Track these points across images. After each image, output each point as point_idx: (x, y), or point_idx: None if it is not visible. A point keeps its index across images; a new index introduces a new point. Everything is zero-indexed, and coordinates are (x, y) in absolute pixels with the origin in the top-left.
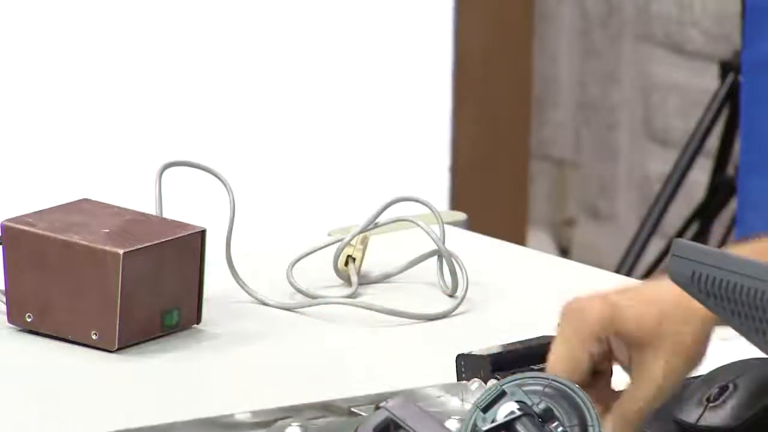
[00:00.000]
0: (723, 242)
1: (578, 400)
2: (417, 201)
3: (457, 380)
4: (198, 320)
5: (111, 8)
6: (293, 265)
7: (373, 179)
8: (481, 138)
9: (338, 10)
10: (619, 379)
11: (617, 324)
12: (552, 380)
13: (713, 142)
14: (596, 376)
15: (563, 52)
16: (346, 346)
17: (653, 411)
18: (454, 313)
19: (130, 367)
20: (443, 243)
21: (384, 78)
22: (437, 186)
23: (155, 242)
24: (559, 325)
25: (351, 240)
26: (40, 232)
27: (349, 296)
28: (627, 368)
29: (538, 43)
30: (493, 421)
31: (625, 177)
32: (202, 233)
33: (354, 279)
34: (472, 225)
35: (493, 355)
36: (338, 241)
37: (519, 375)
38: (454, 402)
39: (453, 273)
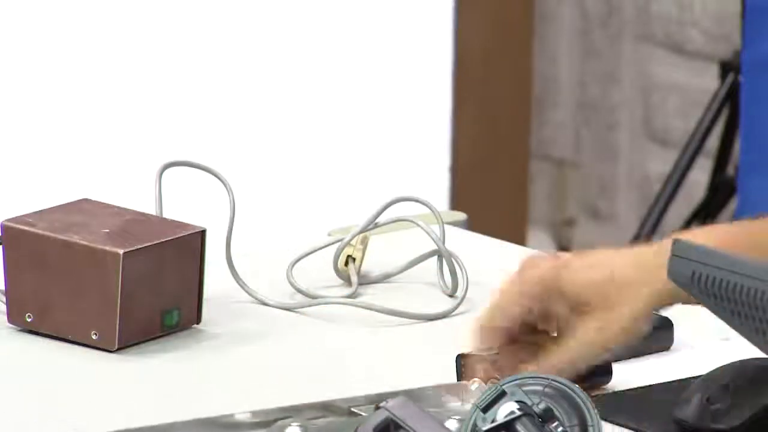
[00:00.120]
0: None
1: (578, 400)
2: (417, 201)
3: (457, 380)
4: (198, 320)
5: (111, 8)
6: (293, 265)
7: (373, 179)
8: (481, 138)
9: (338, 11)
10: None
11: (562, 285)
12: (552, 380)
13: (713, 142)
14: (537, 333)
15: (563, 52)
16: (346, 346)
17: (575, 372)
18: (454, 313)
19: (130, 367)
20: (443, 243)
21: (384, 78)
22: (437, 186)
23: (155, 242)
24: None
25: (351, 240)
26: (40, 232)
27: (349, 296)
28: (564, 328)
29: (538, 43)
30: (493, 421)
31: (625, 177)
32: (202, 233)
33: (354, 279)
34: (472, 225)
35: (493, 355)
36: (338, 241)
37: (519, 375)
38: (454, 402)
39: (453, 273)
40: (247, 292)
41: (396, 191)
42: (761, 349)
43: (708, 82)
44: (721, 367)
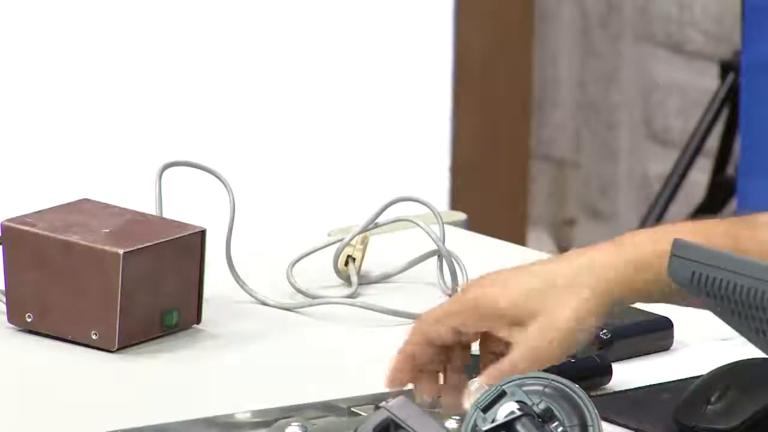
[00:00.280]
0: None
1: (578, 400)
2: (417, 201)
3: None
4: (198, 320)
5: (111, 8)
6: (293, 265)
7: (373, 179)
8: (481, 138)
9: (338, 11)
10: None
11: (496, 302)
12: (552, 380)
13: (713, 142)
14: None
15: (563, 52)
16: (346, 346)
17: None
18: None
19: (130, 367)
20: (443, 243)
21: (384, 78)
22: (437, 186)
23: (155, 242)
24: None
25: (351, 240)
26: (40, 232)
27: (349, 296)
28: (508, 344)
29: (538, 43)
30: (493, 421)
31: (625, 177)
32: (202, 233)
33: (354, 279)
34: (472, 225)
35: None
36: (338, 241)
37: (519, 375)
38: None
39: (453, 273)
40: (247, 292)
41: (396, 191)
42: (761, 349)
43: (708, 82)
44: (721, 367)
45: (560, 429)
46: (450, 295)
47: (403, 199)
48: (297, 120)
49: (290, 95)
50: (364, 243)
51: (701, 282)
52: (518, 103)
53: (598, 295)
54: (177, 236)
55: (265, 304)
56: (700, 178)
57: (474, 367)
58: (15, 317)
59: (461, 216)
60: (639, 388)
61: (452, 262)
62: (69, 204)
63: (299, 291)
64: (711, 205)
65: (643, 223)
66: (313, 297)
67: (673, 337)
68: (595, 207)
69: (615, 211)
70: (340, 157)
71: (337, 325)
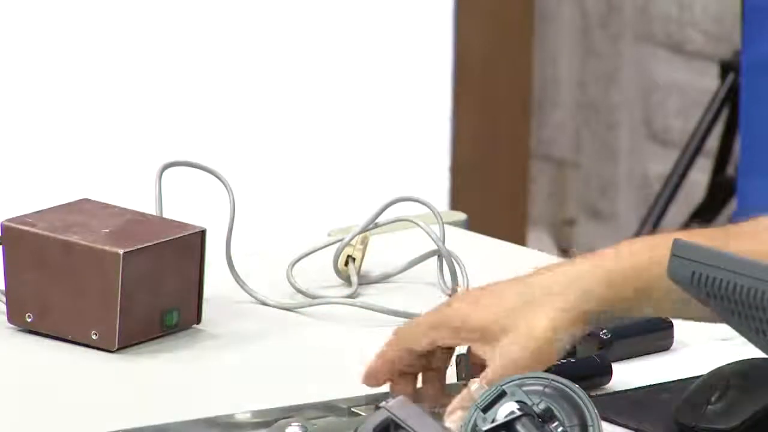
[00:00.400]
0: None
1: (578, 400)
2: (417, 201)
3: (457, 380)
4: (198, 320)
5: (111, 8)
6: (293, 265)
7: (373, 179)
8: (481, 138)
9: (338, 11)
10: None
11: (469, 320)
12: (552, 380)
13: (713, 142)
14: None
15: (563, 52)
16: (346, 346)
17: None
18: None
19: (130, 367)
20: (443, 243)
21: (384, 78)
22: (437, 186)
23: (155, 242)
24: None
25: (351, 240)
26: (40, 232)
27: (349, 296)
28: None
29: (538, 43)
30: (493, 421)
31: (625, 177)
32: (202, 233)
33: (354, 279)
34: (472, 225)
35: None
36: (338, 241)
37: (519, 375)
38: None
39: (453, 273)
40: (247, 292)
41: (396, 191)
42: (761, 349)
43: (708, 82)
44: (721, 367)
45: (560, 429)
46: (450, 295)
47: (403, 199)
48: (297, 120)
49: (290, 95)
50: (364, 243)
51: (701, 282)
52: (518, 103)
53: (575, 306)
54: (177, 236)
55: (265, 304)
56: (700, 178)
57: (467, 365)
58: (15, 317)
59: (461, 216)
60: (639, 388)
61: (452, 262)
62: (69, 204)
63: (299, 291)
64: (711, 205)
65: (643, 224)
66: (313, 297)
67: (673, 337)
68: (595, 207)
69: (615, 211)
70: (340, 157)
71: (337, 325)
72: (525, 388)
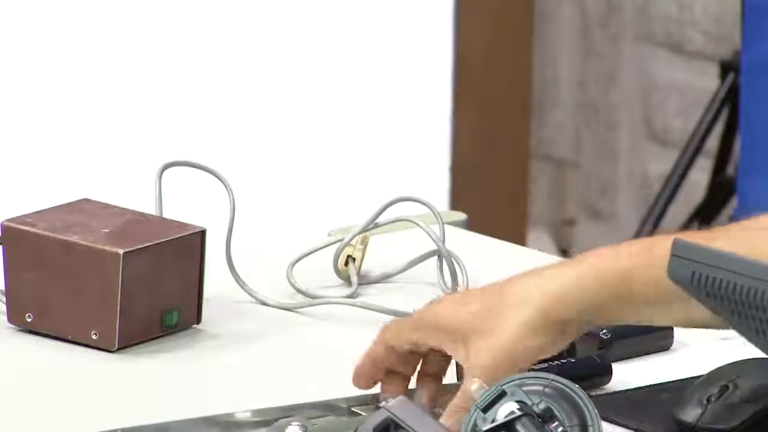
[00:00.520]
0: None
1: (578, 400)
2: (417, 201)
3: (457, 380)
4: (198, 320)
5: (111, 8)
6: (293, 265)
7: (373, 179)
8: (481, 138)
9: (338, 11)
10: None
11: (439, 320)
12: (552, 380)
13: (713, 142)
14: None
15: (563, 52)
16: (346, 346)
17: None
18: None
19: (130, 367)
20: (443, 243)
21: (384, 78)
22: (437, 186)
23: (155, 242)
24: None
25: (351, 240)
26: (40, 232)
27: (349, 296)
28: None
29: (538, 43)
30: (493, 421)
31: (625, 177)
32: (202, 233)
33: (354, 279)
34: (472, 225)
35: None
36: (338, 241)
37: (519, 375)
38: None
39: (453, 273)
40: (247, 292)
41: (396, 191)
42: (761, 349)
43: (708, 82)
44: (721, 367)
45: (560, 429)
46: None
47: (403, 199)
48: (297, 120)
49: (290, 95)
50: (364, 243)
51: (701, 282)
52: (518, 103)
53: (543, 312)
54: (177, 236)
55: (265, 304)
56: (700, 178)
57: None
58: (15, 317)
59: (461, 216)
60: (639, 388)
61: (452, 262)
62: (69, 204)
63: (299, 291)
64: (711, 205)
65: (643, 224)
66: (313, 297)
67: (673, 337)
68: (595, 207)
69: (615, 211)
70: (340, 157)
71: (337, 325)
72: (525, 388)
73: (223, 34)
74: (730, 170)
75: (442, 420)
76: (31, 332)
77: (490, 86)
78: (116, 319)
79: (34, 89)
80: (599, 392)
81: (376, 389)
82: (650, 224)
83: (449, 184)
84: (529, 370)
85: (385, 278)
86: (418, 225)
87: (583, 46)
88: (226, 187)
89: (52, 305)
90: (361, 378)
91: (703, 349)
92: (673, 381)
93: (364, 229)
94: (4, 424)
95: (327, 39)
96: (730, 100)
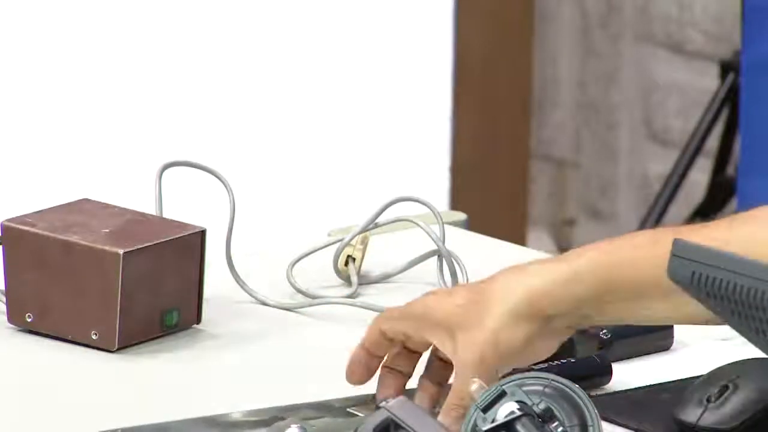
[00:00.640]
0: None
1: (578, 400)
2: (417, 201)
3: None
4: (198, 320)
5: (111, 8)
6: (293, 265)
7: (373, 179)
8: (481, 138)
9: (338, 11)
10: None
11: (427, 312)
12: (552, 380)
13: (713, 142)
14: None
15: (563, 52)
16: (346, 346)
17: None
18: None
19: (130, 367)
20: (443, 243)
21: (384, 78)
22: (437, 186)
23: (155, 242)
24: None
25: (351, 240)
26: (40, 232)
27: (349, 296)
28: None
29: (538, 43)
30: (493, 421)
31: (625, 177)
32: (202, 233)
33: (354, 279)
34: (472, 225)
35: None
36: (338, 241)
37: (519, 375)
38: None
39: (453, 273)
40: (247, 292)
41: (396, 191)
42: (761, 349)
43: (708, 82)
44: (721, 367)
45: (560, 429)
46: None
47: (403, 199)
48: (297, 120)
49: (290, 95)
50: (364, 243)
51: (701, 282)
52: (518, 103)
53: (528, 302)
54: (177, 236)
55: (265, 304)
56: (700, 178)
57: None
58: (15, 317)
59: (461, 216)
60: (639, 388)
61: (452, 262)
62: (69, 204)
63: (299, 291)
64: (711, 205)
65: (643, 224)
66: (313, 297)
67: (673, 337)
68: (595, 207)
69: (615, 211)
70: (340, 157)
71: (337, 325)
72: (525, 388)
73: (223, 34)
74: (730, 170)
75: (439, 419)
76: (31, 332)
77: (490, 86)
78: (116, 319)
79: (34, 89)
80: (599, 392)
81: (373, 389)
82: (650, 224)
83: (449, 184)
84: (529, 370)
85: (385, 278)
86: (418, 225)
87: (583, 46)
88: (226, 187)
89: (52, 305)
90: (355, 367)
91: (703, 349)
92: (673, 381)
93: (364, 229)
94: (4, 424)
95: (327, 39)
96: (730, 100)
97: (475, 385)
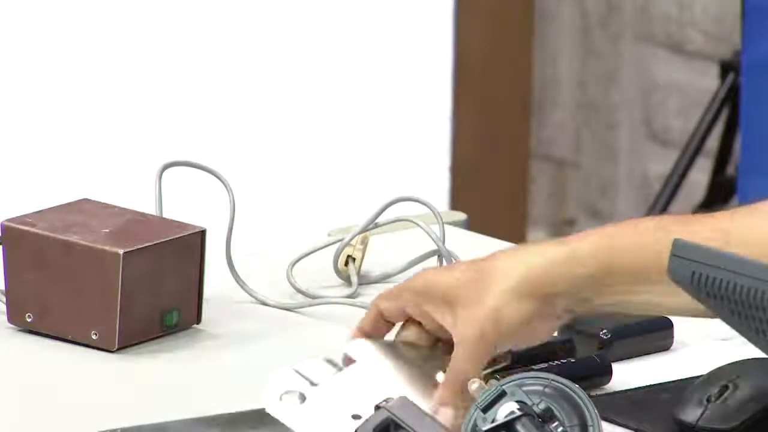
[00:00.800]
0: None
1: (578, 400)
2: (417, 201)
3: None
4: (198, 320)
5: (111, 8)
6: (293, 265)
7: (373, 179)
8: (481, 138)
9: (338, 11)
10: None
11: (429, 285)
12: (552, 380)
13: (713, 142)
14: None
15: (563, 52)
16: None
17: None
18: None
19: (130, 367)
20: (443, 243)
21: (384, 78)
22: (437, 186)
23: (155, 242)
24: None
25: (351, 240)
26: (40, 232)
27: (349, 296)
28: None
29: (538, 43)
30: (493, 421)
31: (625, 177)
32: (202, 233)
33: (354, 279)
34: (472, 225)
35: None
36: (338, 241)
37: (519, 375)
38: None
39: None
40: (247, 292)
41: (396, 191)
42: (761, 349)
43: (708, 82)
44: (721, 367)
45: (560, 429)
46: None
47: (403, 199)
48: (297, 120)
49: (290, 95)
50: (364, 243)
51: (701, 282)
52: (518, 103)
53: (528, 280)
54: (177, 236)
55: (265, 304)
56: (700, 178)
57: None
58: (15, 317)
59: (461, 216)
60: (639, 388)
61: (452, 262)
62: (69, 204)
63: (299, 291)
64: (711, 205)
65: None
66: (313, 297)
67: (673, 337)
68: (595, 207)
69: (615, 211)
70: (340, 157)
71: (337, 325)
72: (525, 388)
73: (223, 34)
74: (730, 170)
75: (437, 393)
76: (31, 332)
77: (490, 86)
78: (116, 319)
79: (34, 89)
80: (599, 392)
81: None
82: None
83: (449, 184)
84: (529, 370)
85: (385, 278)
86: (418, 225)
87: (583, 46)
88: (226, 187)
89: (52, 305)
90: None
91: (703, 349)
92: (673, 381)
93: (364, 229)
94: (4, 424)
95: (327, 39)
96: (730, 100)
97: (475, 385)
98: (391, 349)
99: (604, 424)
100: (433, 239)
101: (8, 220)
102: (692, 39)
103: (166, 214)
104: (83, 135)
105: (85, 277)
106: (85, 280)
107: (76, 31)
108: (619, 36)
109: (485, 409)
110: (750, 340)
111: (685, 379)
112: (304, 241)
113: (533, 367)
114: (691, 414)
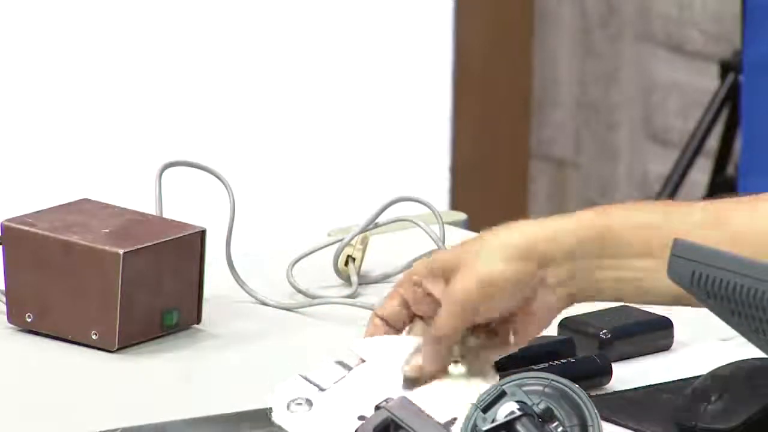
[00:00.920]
0: None
1: (578, 400)
2: (417, 201)
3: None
4: (198, 320)
5: (111, 8)
6: (293, 265)
7: (373, 179)
8: (481, 138)
9: (338, 11)
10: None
11: (431, 262)
12: (552, 380)
13: (713, 142)
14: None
15: (563, 52)
16: (346, 346)
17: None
18: None
19: (130, 367)
20: (443, 243)
21: (384, 78)
22: (437, 186)
23: (155, 242)
24: None
25: (351, 240)
26: (40, 232)
27: (349, 296)
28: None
29: (538, 43)
30: (493, 421)
31: (625, 177)
32: (202, 233)
33: (354, 279)
34: (472, 225)
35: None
36: (338, 241)
37: (519, 375)
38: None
39: None
40: (247, 292)
41: (396, 191)
42: (761, 349)
43: (708, 82)
44: (721, 367)
45: (560, 429)
46: None
47: (403, 199)
48: (297, 120)
49: (290, 95)
50: (364, 243)
51: (701, 282)
52: (518, 103)
53: (525, 238)
54: (177, 236)
55: (265, 304)
56: (700, 178)
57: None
58: (15, 317)
59: (461, 216)
60: (639, 388)
61: None
62: (69, 204)
63: (299, 291)
64: None
65: None
66: (313, 297)
67: (673, 337)
68: (595, 207)
69: None
70: (340, 157)
71: (337, 325)
72: (525, 388)
73: (223, 34)
74: (730, 170)
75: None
76: (31, 332)
77: (490, 86)
78: (116, 319)
79: (34, 89)
80: (599, 392)
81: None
82: None
83: (449, 184)
84: (529, 371)
85: (385, 278)
86: (418, 225)
87: (583, 46)
88: (226, 187)
89: (52, 305)
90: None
91: (703, 349)
92: (673, 381)
93: (364, 229)
94: (4, 424)
95: (327, 39)
96: (730, 100)
97: (458, 369)
98: (400, 347)
99: (604, 424)
100: (433, 239)
101: (8, 220)
102: (692, 39)
103: (166, 214)
104: (83, 135)
105: (85, 277)
106: (85, 280)
107: (77, 31)
108: (619, 36)
109: (485, 409)
110: (750, 340)
111: (685, 379)
112: (304, 241)
113: (533, 367)
114: (691, 414)
